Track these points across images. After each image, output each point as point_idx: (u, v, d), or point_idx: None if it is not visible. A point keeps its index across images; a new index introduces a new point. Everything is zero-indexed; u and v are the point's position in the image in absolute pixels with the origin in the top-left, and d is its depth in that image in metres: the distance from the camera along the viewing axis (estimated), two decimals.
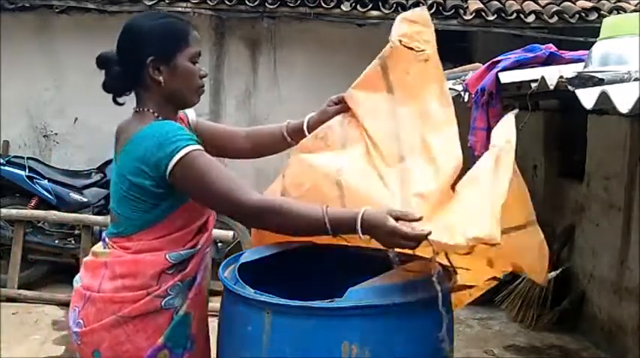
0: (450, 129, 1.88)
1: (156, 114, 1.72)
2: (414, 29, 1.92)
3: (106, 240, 1.78)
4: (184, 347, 1.74)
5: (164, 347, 1.70)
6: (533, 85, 2.69)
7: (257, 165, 6.22)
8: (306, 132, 2.05)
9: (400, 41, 1.89)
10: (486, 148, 3.11)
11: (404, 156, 1.85)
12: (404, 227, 1.52)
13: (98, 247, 1.81)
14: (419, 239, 1.52)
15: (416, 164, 1.84)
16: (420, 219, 1.55)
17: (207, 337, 1.88)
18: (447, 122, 1.90)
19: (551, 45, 3.33)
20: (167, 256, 1.69)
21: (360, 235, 1.55)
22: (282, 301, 1.70)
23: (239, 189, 1.60)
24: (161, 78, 1.69)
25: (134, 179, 1.64)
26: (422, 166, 1.84)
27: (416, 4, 5.57)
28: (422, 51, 1.87)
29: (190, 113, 2.02)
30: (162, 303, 1.69)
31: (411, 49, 1.86)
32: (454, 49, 6.02)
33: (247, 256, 2.03)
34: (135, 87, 1.74)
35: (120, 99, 1.78)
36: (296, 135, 2.06)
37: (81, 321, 1.71)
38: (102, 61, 1.75)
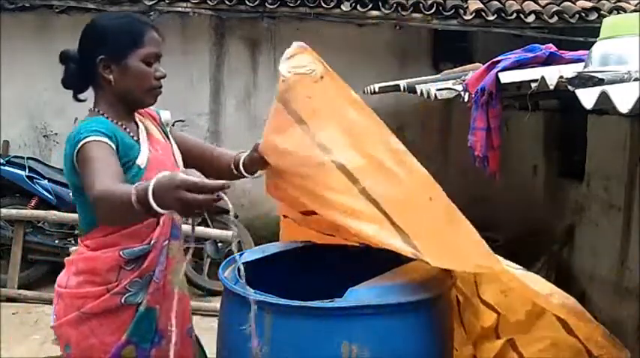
0: (381, 132, 1.82)
1: (105, 115, 1.74)
2: (298, 59, 1.88)
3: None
4: (152, 342, 1.74)
5: (129, 343, 1.71)
6: (533, 85, 2.69)
7: None
8: (242, 171, 2.02)
9: (289, 72, 1.83)
10: (486, 148, 3.13)
11: (357, 179, 1.79)
12: (194, 178, 1.38)
13: (74, 248, 1.88)
14: (211, 188, 1.39)
15: (373, 183, 1.78)
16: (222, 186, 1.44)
17: (186, 332, 1.87)
18: (373, 127, 1.84)
19: (551, 45, 3.33)
20: (121, 253, 1.71)
21: (154, 205, 1.35)
22: (282, 301, 1.71)
23: (97, 177, 1.52)
24: (111, 77, 1.70)
25: (69, 178, 1.70)
26: (380, 182, 1.79)
27: (416, 4, 5.58)
28: (313, 71, 1.81)
29: (164, 114, 2.01)
30: (123, 300, 1.71)
31: (303, 74, 1.81)
32: (454, 49, 6.03)
33: (247, 256, 2.03)
34: (90, 85, 1.77)
35: (80, 96, 1.82)
36: (238, 170, 2.04)
37: (54, 316, 1.78)
38: (62, 57, 1.79)
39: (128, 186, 1.45)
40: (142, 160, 1.70)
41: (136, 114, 1.83)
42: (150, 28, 1.75)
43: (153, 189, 1.36)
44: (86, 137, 1.61)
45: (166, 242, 1.76)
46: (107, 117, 1.73)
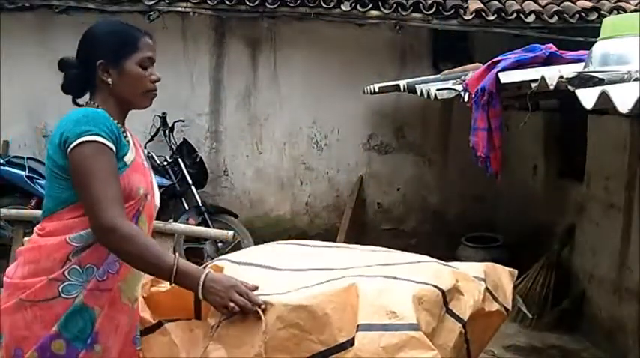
0: None
1: (101, 108, 1.79)
2: None
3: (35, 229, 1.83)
4: (84, 343, 1.68)
5: (59, 337, 1.66)
6: (533, 85, 2.69)
7: (256, 165, 6.23)
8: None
9: None
10: (488, 149, 3.14)
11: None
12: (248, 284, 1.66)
13: (26, 239, 1.88)
14: (257, 302, 1.60)
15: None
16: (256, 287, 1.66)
17: (132, 341, 1.78)
18: None
19: (551, 45, 3.33)
20: (68, 238, 1.69)
21: (200, 290, 1.62)
22: None
23: (109, 201, 1.63)
24: (110, 80, 1.79)
25: (54, 155, 1.71)
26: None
27: (416, 4, 5.58)
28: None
29: None
30: (60, 288, 1.67)
31: None
32: (454, 49, 6.03)
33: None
34: (88, 88, 1.83)
35: (80, 101, 1.86)
36: None
37: None
38: (62, 65, 1.86)
39: (161, 251, 1.68)
40: (129, 158, 1.76)
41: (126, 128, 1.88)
42: (143, 35, 1.86)
43: (205, 279, 1.63)
44: (90, 133, 1.65)
45: None
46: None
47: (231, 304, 1.60)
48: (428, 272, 1.78)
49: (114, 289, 1.72)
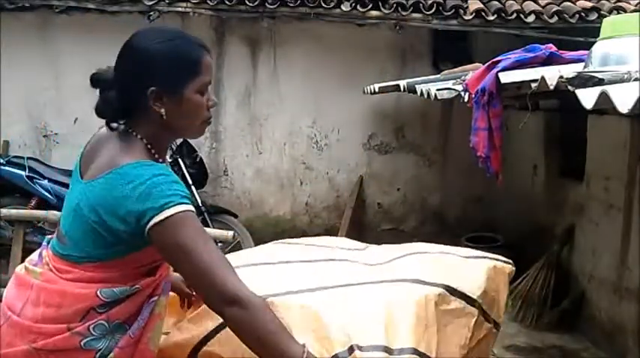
0: None
1: (146, 143, 1.52)
2: None
3: (44, 253, 1.58)
4: None
5: None
6: (533, 85, 2.69)
7: (256, 164, 6.23)
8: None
9: None
10: (489, 149, 3.14)
11: None
12: None
13: (32, 261, 1.60)
14: None
15: None
16: None
17: None
18: None
19: (551, 45, 3.33)
20: (98, 292, 1.48)
21: None
22: None
23: (229, 270, 1.42)
24: (163, 110, 1.48)
25: (108, 217, 1.44)
26: None
27: (416, 4, 5.58)
28: None
29: None
30: (82, 343, 1.47)
31: None
32: (454, 49, 6.03)
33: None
34: (130, 115, 1.53)
35: (113, 125, 1.55)
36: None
37: None
38: (97, 81, 1.55)
39: (289, 335, 1.42)
40: None
41: None
42: (205, 53, 1.54)
43: None
44: (173, 204, 1.40)
45: (155, 298, 1.56)
46: (153, 152, 1.54)
47: None
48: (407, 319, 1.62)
49: (143, 341, 1.54)
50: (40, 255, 1.59)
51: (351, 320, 1.55)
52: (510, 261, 2.01)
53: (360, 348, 1.47)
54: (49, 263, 1.54)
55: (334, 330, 1.52)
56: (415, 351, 1.50)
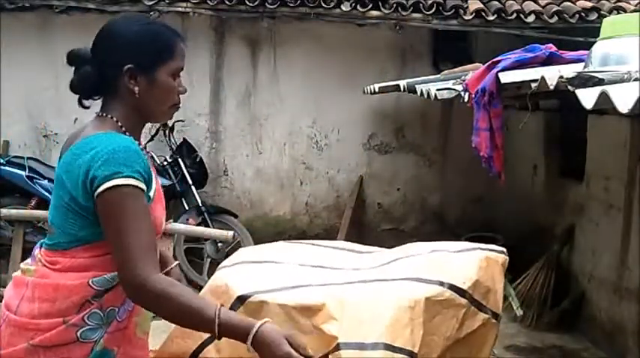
0: None
1: (119, 124, 1.58)
2: None
3: (36, 253, 1.63)
4: None
5: None
6: (533, 85, 2.69)
7: (256, 164, 6.23)
8: None
9: None
10: (491, 149, 3.14)
11: None
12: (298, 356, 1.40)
13: (26, 263, 1.65)
14: (306, 354, 1.42)
15: None
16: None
17: None
18: None
19: (551, 45, 3.33)
20: (90, 282, 1.52)
21: (249, 347, 1.42)
22: None
23: (143, 253, 1.43)
24: (137, 88, 1.55)
25: (73, 190, 1.49)
26: None
27: (416, 4, 5.58)
28: None
29: None
30: (78, 334, 1.51)
31: None
32: (454, 49, 6.03)
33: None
34: (102, 91, 1.60)
35: (86, 103, 1.63)
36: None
37: None
38: (73, 58, 1.61)
39: (201, 303, 1.44)
40: (152, 191, 1.57)
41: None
42: (179, 39, 1.62)
43: (257, 332, 1.40)
44: (122, 176, 1.44)
45: None
46: (124, 130, 1.59)
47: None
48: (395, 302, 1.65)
49: (129, 325, 1.59)
50: (33, 255, 1.64)
51: (341, 318, 1.57)
52: (504, 250, 2.00)
53: (339, 346, 1.53)
54: (41, 259, 1.58)
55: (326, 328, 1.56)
56: (387, 346, 1.52)
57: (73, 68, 1.62)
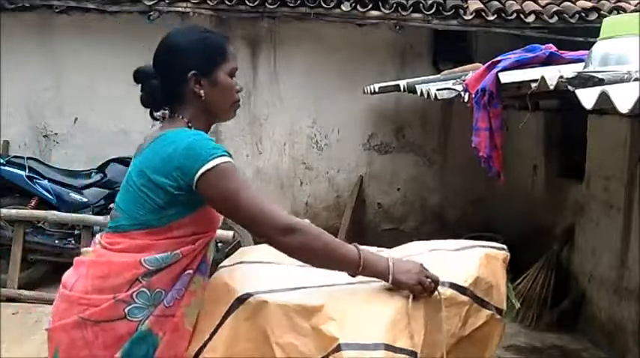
0: None
1: (189, 124, 1.72)
2: None
3: (97, 238, 1.76)
4: None
5: None
6: (533, 85, 2.69)
7: (256, 164, 6.23)
8: None
9: None
10: (490, 149, 3.13)
11: None
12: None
13: (86, 249, 1.78)
14: (438, 281, 1.65)
15: None
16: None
17: None
18: None
19: (551, 45, 3.33)
20: (142, 260, 1.62)
21: (391, 274, 1.63)
22: None
23: (273, 207, 1.60)
24: (202, 91, 1.71)
25: (154, 176, 1.61)
26: None
27: (416, 4, 5.58)
28: None
29: None
30: (126, 310, 1.60)
31: None
32: (454, 49, 6.03)
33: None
34: (173, 100, 1.74)
35: (157, 115, 1.77)
36: None
37: (51, 318, 1.70)
38: (138, 75, 1.76)
39: (341, 242, 1.65)
40: None
41: None
42: (228, 42, 1.80)
43: (395, 263, 1.64)
44: (217, 155, 1.59)
45: (191, 271, 1.68)
46: (189, 126, 1.72)
47: (421, 283, 1.61)
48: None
49: (177, 315, 1.65)
50: (94, 241, 1.78)
51: (341, 319, 1.59)
52: (504, 246, 2.00)
53: (340, 347, 1.54)
54: (101, 241, 1.71)
55: (327, 329, 1.57)
56: (388, 347, 1.53)
57: (140, 85, 1.76)
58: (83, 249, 1.78)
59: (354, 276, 1.65)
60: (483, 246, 1.96)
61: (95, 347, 1.59)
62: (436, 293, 1.66)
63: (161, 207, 1.63)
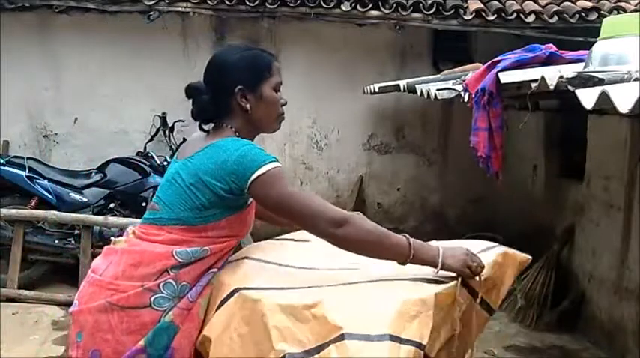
0: None
1: (237, 133, 1.82)
2: None
3: (130, 229, 1.86)
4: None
5: (143, 352, 1.67)
6: (533, 85, 2.69)
7: None
8: None
9: None
10: (489, 149, 3.14)
11: None
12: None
13: (118, 238, 1.88)
14: (483, 266, 1.72)
15: None
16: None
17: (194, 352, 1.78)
18: None
19: (551, 45, 3.33)
20: (174, 252, 1.71)
21: (440, 259, 1.69)
22: None
23: (326, 204, 1.71)
24: (248, 105, 1.82)
25: (206, 178, 1.71)
26: None
27: (416, 4, 5.59)
28: None
29: None
30: (152, 299, 1.68)
31: None
32: (454, 49, 6.03)
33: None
34: (221, 113, 1.84)
35: (206, 127, 1.87)
36: None
37: (77, 301, 1.76)
38: (191, 91, 1.87)
39: (391, 232, 1.76)
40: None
41: None
42: (274, 59, 1.90)
43: (444, 249, 1.71)
44: (268, 161, 1.70)
45: (215, 270, 1.79)
46: (237, 135, 1.83)
47: (469, 267, 1.68)
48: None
49: (195, 307, 1.74)
50: (126, 231, 1.88)
51: (349, 313, 1.59)
52: (529, 256, 2.04)
53: (343, 336, 1.53)
54: (135, 231, 1.81)
55: (333, 320, 1.57)
56: (393, 337, 1.53)
57: (191, 100, 1.87)
58: (114, 239, 1.87)
59: (404, 265, 1.71)
60: (503, 246, 1.98)
61: (119, 332, 1.66)
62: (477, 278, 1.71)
63: (203, 207, 1.73)
